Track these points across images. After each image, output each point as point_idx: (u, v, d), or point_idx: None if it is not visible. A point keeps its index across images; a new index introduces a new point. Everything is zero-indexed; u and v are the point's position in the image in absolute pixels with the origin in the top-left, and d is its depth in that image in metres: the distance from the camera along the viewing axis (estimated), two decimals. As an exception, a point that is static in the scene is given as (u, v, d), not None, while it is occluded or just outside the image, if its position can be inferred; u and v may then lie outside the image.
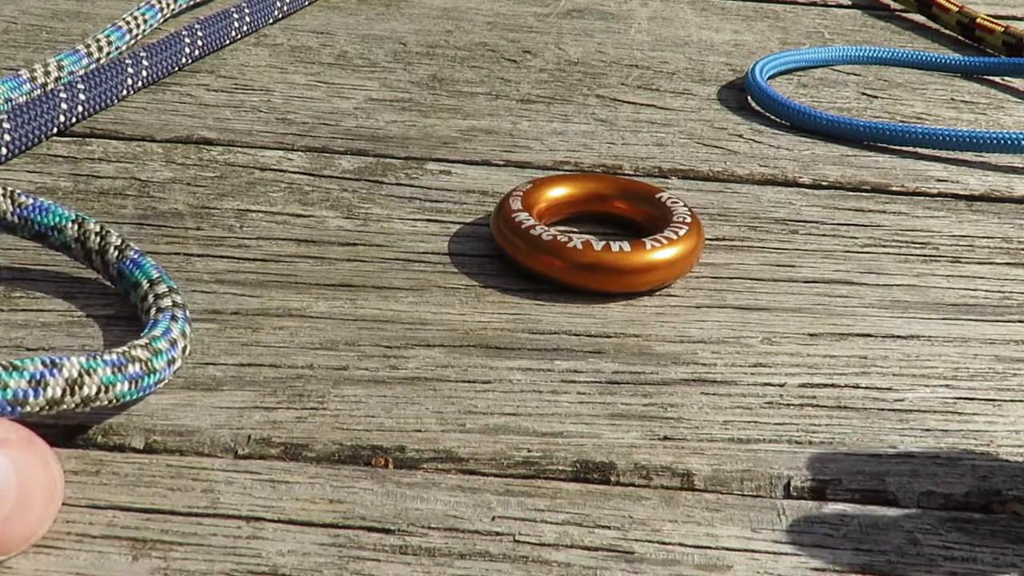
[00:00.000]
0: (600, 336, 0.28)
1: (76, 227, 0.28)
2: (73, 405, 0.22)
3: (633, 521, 0.22)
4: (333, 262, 0.31)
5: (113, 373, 0.22)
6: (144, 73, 0.41)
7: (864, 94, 0.46)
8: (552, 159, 0.38)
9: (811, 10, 0.57)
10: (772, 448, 0.25)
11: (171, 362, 0.24)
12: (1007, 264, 0.33)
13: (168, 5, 0.47)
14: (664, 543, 0.22)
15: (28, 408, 0.21)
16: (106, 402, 0.22)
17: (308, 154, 0.37)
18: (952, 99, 0.46)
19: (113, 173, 0.35)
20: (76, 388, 0.21)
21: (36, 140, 0.36)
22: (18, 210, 0.28)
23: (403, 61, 0.46)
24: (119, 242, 0.28)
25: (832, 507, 0.23)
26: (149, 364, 0.23)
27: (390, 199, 0.35)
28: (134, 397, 0.23)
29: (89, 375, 0.22)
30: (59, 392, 0.21)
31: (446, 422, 0.25)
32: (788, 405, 0.26)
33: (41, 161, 0.36)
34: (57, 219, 0.28)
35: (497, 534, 0.22)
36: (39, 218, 0.28)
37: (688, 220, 0.31)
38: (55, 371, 0.21)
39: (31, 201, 0.28)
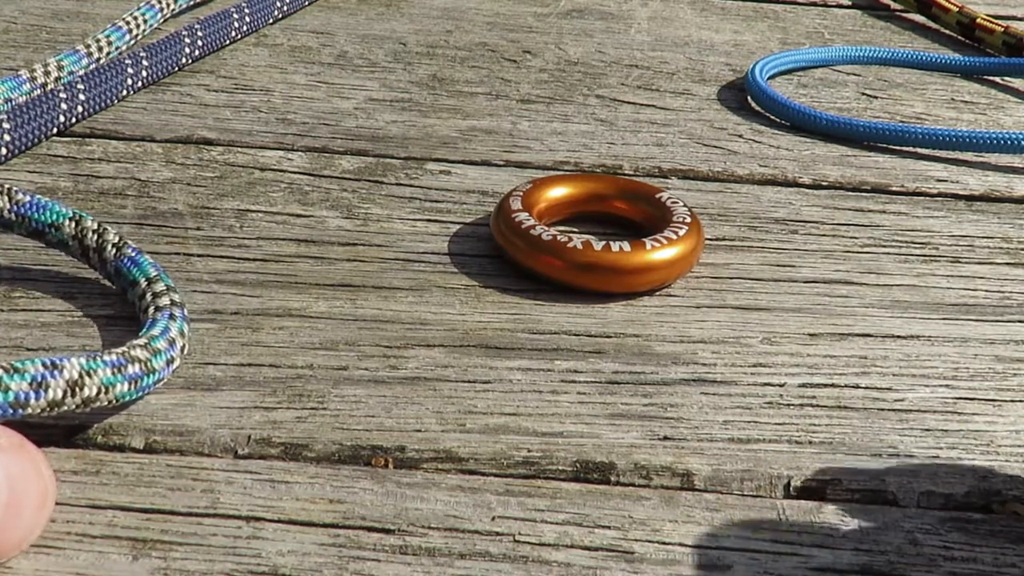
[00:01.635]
0: (600, 336, 0.28)
1: (73, 224, 0.28)
2: (74, 406, 0.22)
3: (633, 521, 0.22)
4: (333, 262, 0.31)
5: (113, 374, 0.22)
6: (144, 73, 0.41)
7: (864, 94, 0.46)
8: (552, 159, 0.38)
9: (811, 10, 0.57)
10: (772, 448, 0.25)
11: (170, 361, 0.24)
12: (1007, 264, 0.33)
13: (168, 5, 0.47)
14: (664, 543, 0.22)
15: (29, 410, 0.21)
16: (106, 402, 0.22)
17: (308, 154, 0.37)
18: (952, 99, 0.46)
19: (113, 173, 0.35)
20: (77, 389, 0.21)
21: (36, 140, 0.36)
22: (15, 207, 0.28)
23: (403, 61, 0.46)
24: (117, 240, 0.28)
25: (832, 507, 0.23)
26: (148, 364, 0.23)
27: (390, 199, 0.35)
28: (134, 397, 0.23)
29: (89, 376, 0.22)
30: (60, 394, 0.21)
31: (446, 422, 0.25)
32: (788, 405, 0.26)
33: (41, 161, 0.36)
34: (54, 216, 0.28)
35: (497, 534, 0.22)
36: (36, 215, 0.28)
37: (688, 220, 0.31)
38: (56, 373, 0.21)
39: (28, 198, 0.28)
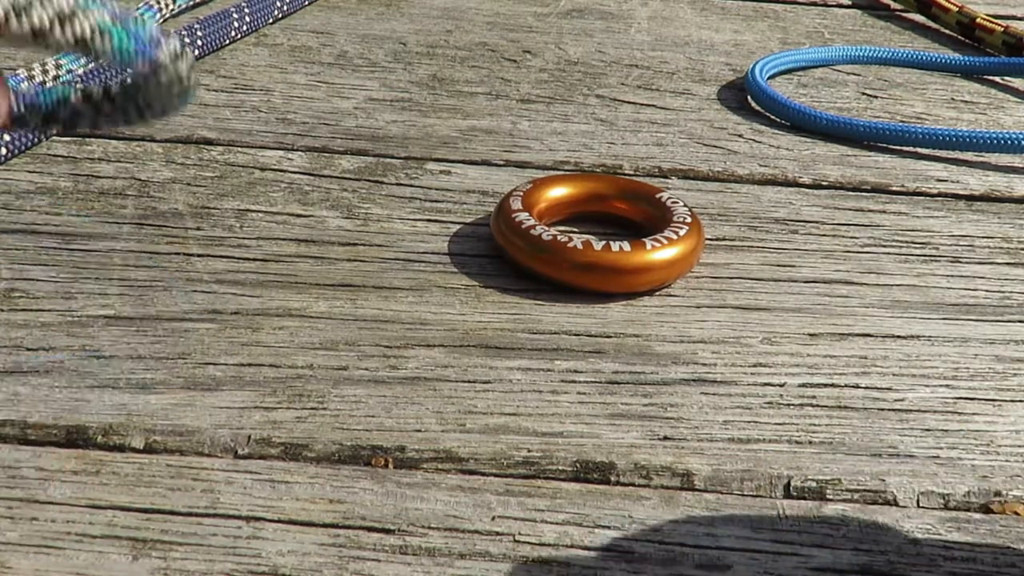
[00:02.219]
0: (600, 336, 0.28)
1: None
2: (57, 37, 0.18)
3: (633, 521, 0.22)
4: (333, 262, 0.31)
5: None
6: (144, 73, 0.40)
7: (864, 94, 0.46)
8: (552, 159, 0.38)
9: (811, 10, 0.57)
10: (772, 448, 0.25)
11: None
12: (1007, 264, 0.33)
13: (167, 5, 0.47)
14: (664, 543, 0.22)
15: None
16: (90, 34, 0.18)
17: (308, 154, 0.37)
18: (952, 99, 0.46)
19: (113, 173, 0.35)
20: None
21: (36, 140, 0.36)
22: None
23: (403, 61, 0.46)
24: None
25: (832, 507, 0.23)
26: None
27: (390, 199, 0.35)
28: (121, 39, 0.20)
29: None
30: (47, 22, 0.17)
31: (446, 422, 0.25)
32: (788, 405, 0.26)
33: (41, 161, 0.36)
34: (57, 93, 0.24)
35: (497, 534, 0.22)
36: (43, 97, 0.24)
37: (688, 220, 0.31)
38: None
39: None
